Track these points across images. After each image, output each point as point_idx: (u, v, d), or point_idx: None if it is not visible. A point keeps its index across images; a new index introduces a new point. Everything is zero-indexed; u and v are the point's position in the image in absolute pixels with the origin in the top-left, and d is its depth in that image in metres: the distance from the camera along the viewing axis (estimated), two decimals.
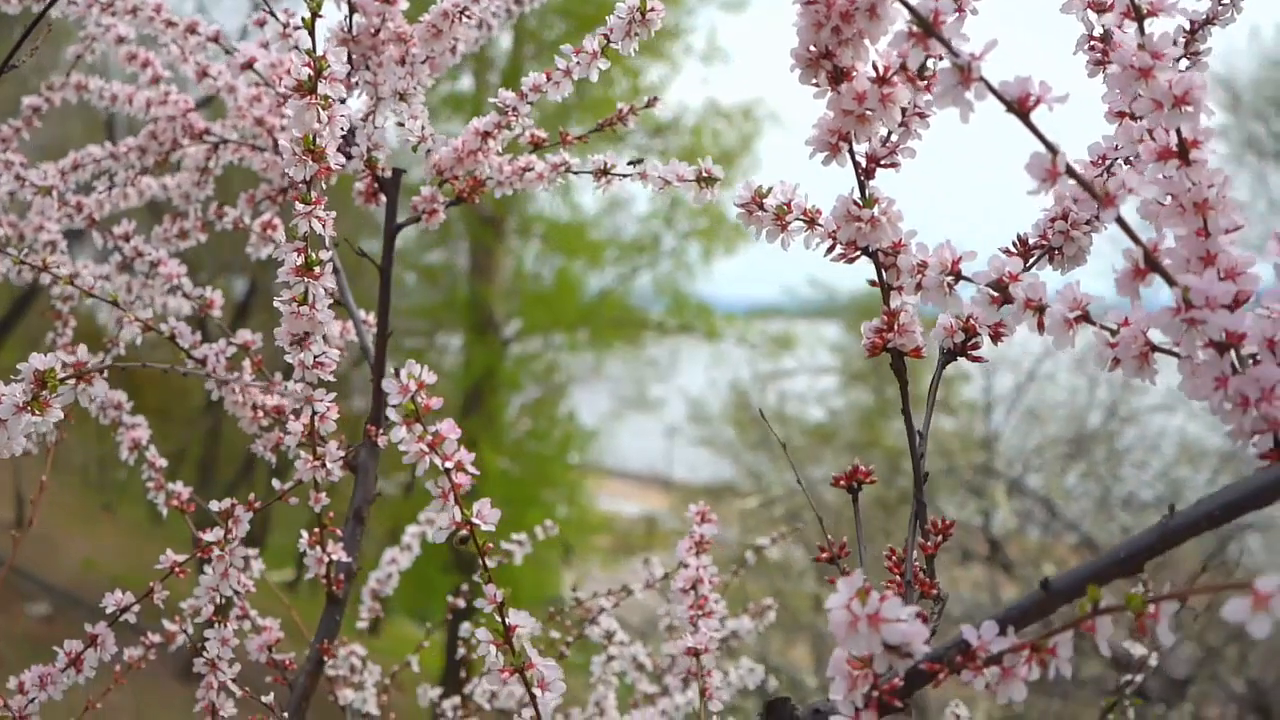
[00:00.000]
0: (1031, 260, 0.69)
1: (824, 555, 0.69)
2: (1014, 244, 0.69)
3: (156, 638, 1.14)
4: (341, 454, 0.91)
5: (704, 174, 0.84)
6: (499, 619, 0.65)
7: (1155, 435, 7.33)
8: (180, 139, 1.21)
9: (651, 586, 1.37)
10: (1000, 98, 0.51)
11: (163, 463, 1.11)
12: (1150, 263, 0.52)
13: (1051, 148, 0.51)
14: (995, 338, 0.68)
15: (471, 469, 0.63)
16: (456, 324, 11.54)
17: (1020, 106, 0.51)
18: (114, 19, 1.19)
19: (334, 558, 0.98)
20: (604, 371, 12.32)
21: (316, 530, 0.97)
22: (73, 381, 0.67)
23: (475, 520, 0.64)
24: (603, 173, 0.96)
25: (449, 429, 0.63)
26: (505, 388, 11.40)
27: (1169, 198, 0.55)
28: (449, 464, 0.63)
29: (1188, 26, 0.73)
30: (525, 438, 11.57)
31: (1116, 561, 0.51)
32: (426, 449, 0.62)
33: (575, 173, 0.98)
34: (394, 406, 0.61)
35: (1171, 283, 0.51)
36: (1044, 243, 0.69)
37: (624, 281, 12.19)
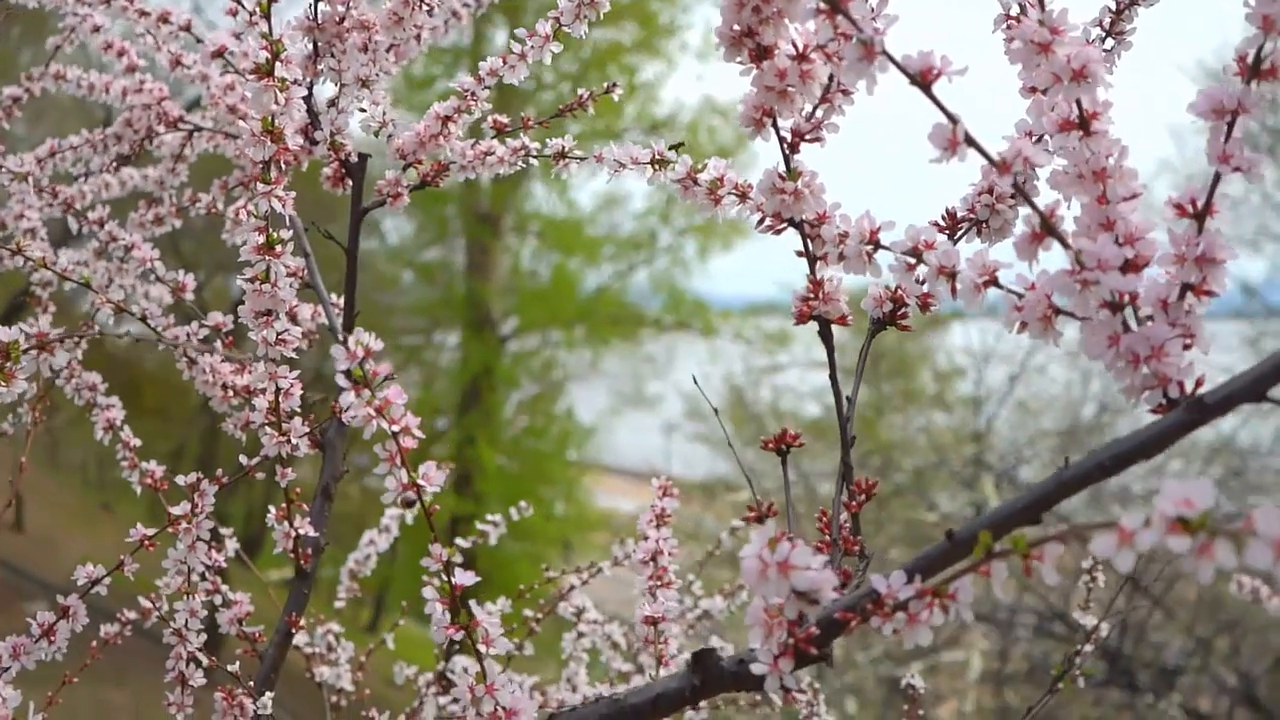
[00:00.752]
0: (960, 233, 0.72)
1: (752, 516, 0.72)
2: (942, 217, 0.72)
3: (132, 614, 1.16)
4: (306, 430, 0.94)
5: (657, 156, 0.86)
6: (445, 579, 0.68)
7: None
8: (155, 126, 1.23)
9: (620, 564, 1.40)
10: (904, 71, 0.53)
11: (136, 443, 1.13)
12: (1047, 227, 0.54)
13: (952, 118, 0.54)
14: (924, 308, 0.70)
15: (418, 433, 0.66)
16: (454, 321, 11.57)
17: (923, 79, 0.53)
18: (89, 9, 1.22)
19: (301, 532, 1.01)
20: (601, 368, 12.35)
21: (284, 505, 0.99)
22: (35, 352, 0.69)
23: (421, 482, 0.66)
24: (560, 156, 0.99)
25: (395, 394, 0.66)
26: (503, 385, 11.44)
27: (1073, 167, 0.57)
28: (396, 428, 0.65)
29: (1114, 6, 0.76)
30: (523, 435, 11.60)
31: (1017, 511, 0.54)
32: (374, 413, 0.65)
33: (535, 157, 1.01)
34: (341, 372, 0.64)
35: (1066, 246, 0.54)
36: (971, 216, 0.71)
37: (621, 278, 12.23)
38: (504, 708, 0.67)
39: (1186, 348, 0.54)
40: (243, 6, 1.03)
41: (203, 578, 1.00)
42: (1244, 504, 6.78)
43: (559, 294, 11.82)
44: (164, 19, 1.14)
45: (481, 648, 0.68)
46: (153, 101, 1.24)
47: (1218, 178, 0.55)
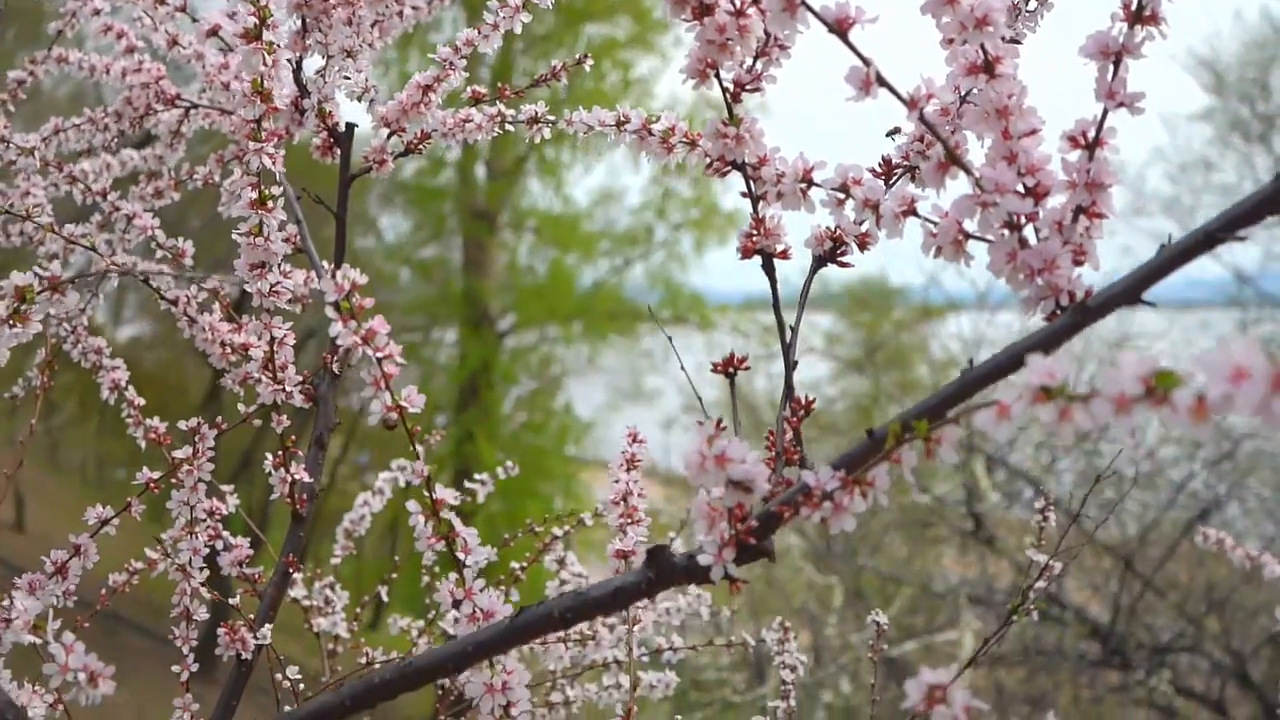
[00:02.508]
0: (895, 177, 0.78)
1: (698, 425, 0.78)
2: (879, 163, 0.78)
3: (138, 563, 1.23)
4: (300, 378, 1.01)
5: (622, 118, 0.93)
6: (427, 493, 0.75)
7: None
8: (154, 104, 1.30)
9: (600, 516, 1.47)
10: (822, 20, 0.60)
11: (141, 401, 1.20)
12: (951, 157, 0.61)
13: (866, 61, 0.60)
14: (861, 246, 0.77)
15: (400, 359, 0.73)
16: (451, 318, 11.63)
17: (840, 27, 0.60)
18: None
19: (297, 478, 1.07)
20: (599, 364, 12.41)
21: (280, 452, 1.06)
22: (48, 293, 0.76)
23: (404, 404, 0.73)
24: (534, 120, 1.05)
25: (379, 324, 0.73)
26: (501, 381, 11.50)
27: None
28: (380, 355, 0.72)
29: None
30: (521, 430, 11.66)
31: (926, 408, 0.60)
32: (360, 341, 0.72)
33: (511, 122, 1.07)
34: (330, 304, 0.71)
35: (969, 173, 0.61)
36: (905, 162, 0.78)
37: (617, 274, 12.29)
38: (481, 609, 0.73)
39: (1078, 264, 0.61)
40: None
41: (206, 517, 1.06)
42: (1235, 485, 6.85)
43: (556, 290, 11.88)
44: (160, 1, 1.21)
45: (461, 555, 0.74)
46: (150, 80, 1.30)
47: (1105, 112, 0.62)
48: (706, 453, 0.59)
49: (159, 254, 1.20)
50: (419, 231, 12.07)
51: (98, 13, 1.30)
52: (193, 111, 1.31)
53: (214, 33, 1.14)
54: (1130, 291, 0.56)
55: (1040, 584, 1.18)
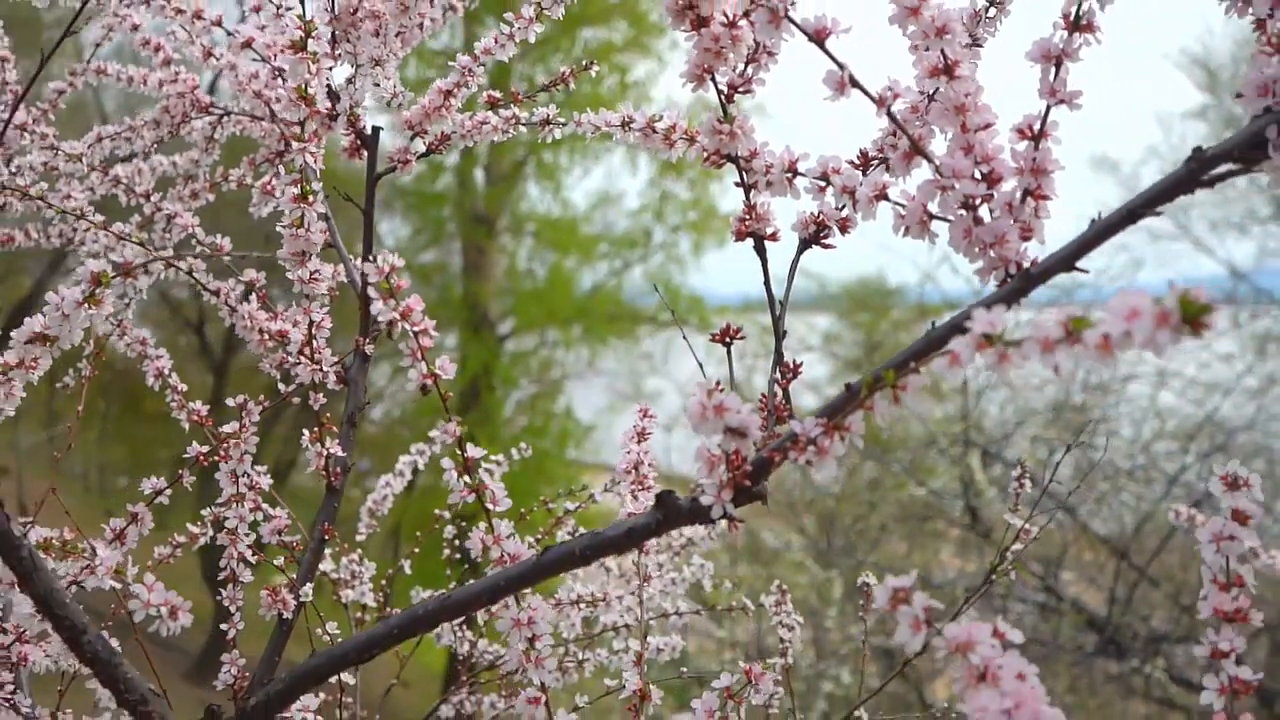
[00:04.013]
0: (871, 168, 0.88)
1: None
2: (857, 155, 0.88)
3: (181, 537, 1.32)
4: (335, 359, 1.10)
5: (627, 118, 1.03)
6: (459, 452, 0.84)
7: (1136, 409, 7.56)
8: (189, 112, 1.40)
9: (609, 490, 1.56)
10: (803, 30, 0.70)
11: (183, 387, 1.29)
12: (915, 148, 0.71)
13: (841, 65, 0.70)
14: (843, 229, 0.87)
15: (434, 334, 0.83)
16: (452, 322, 11.71)
17: (818, 36, 0.70)
18: (129, 9, 1.38)
19: (332, 453, 1.17)
20: (599, 366, 12.50)
21: (316, 429, 1.16)
22: (121, 277, 0.86)
23: (438, 371, 0.83)
24: (546, 122, 1.15)
25: (415, 302, 0.82)
26: (501, 385, 11.58)
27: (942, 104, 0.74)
28: (417, 329, 0.82)
29: None
30: (522, 434, 11.74)
31: (896, 363, 0.70)
32: (399, 317, 0.82)
33: (525, 124, 1.17)
34: (372, 284, 0.81)
35: (930, 161, 0.70)
36: (880, 154, 0.88)
37: (616, 276, 12.38)
38: (509, 553, 0.83)
39: (1026, 239, 0.71)
40: (271, 2, 1.19)
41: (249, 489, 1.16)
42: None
43: (555, 293, 11.97)
44: (197, 15, 1.30)
45: (490, 506, 0.84)
46: (186, 90, 1.40)
47: (1048, 108, 0.72)
48: (707, 404, 0.69)
49: (198, 249, 1.30)
50: (418, 236, 12.16)
51: (136, 27, 1.40)
52: (225, 118, 1.40)
53: (248, 45, 1.24)
54: (1066, 261, 0.66)
55: (1016, 546, 1.27)
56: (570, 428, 11.94)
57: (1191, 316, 0.47)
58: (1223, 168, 0.64)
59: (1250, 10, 0.66)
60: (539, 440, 11.72)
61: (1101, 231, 0.65)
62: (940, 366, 0.59)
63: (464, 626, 1.56)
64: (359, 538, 1.63)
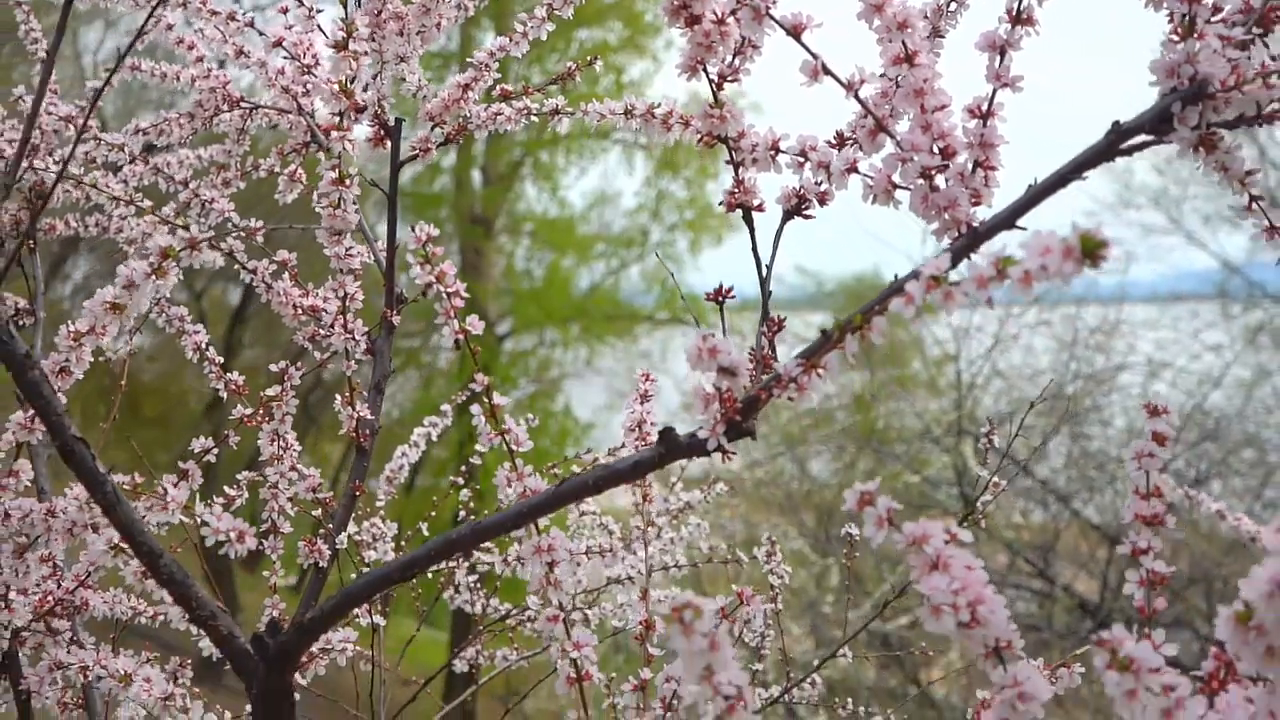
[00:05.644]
0: (846, 146, 0.99)
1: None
2: (834, 135, 0.99)
3: (221, 498, 1.44)
4: (366, 329, 1.22)
5: (629, 108, 1.14)
6: (487, 400, 0.96)
7: (1129, 399, 7.70)
8: (221, 106, 1.51)
9: (613, 454, 1.67)
10: (781, 26, 0.81)
11: (220, 359, 1.41)
12: (879, 126, 0.82)
13: (815, 55, 0.81)
14: (821, 201, 0.98)
15: (464, 294, 0.94)
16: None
17: (795, 31, 0.81)
18: (165, 10, 1.49)
19: (361, 416, 1.28)
20: (597, 365, 12.61)
21: (348, 394, 1.27)
22: (188, 250, 0.97)
23: (468, 327, 0.94)
24: (555, 113, 1.27)
25: (449, 267, 0.94)
26: (500, 384, 11.70)
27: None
28: (449, 290, 0.93)
29: None
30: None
31: (865, 309, 0.81)
32: (434, 280, 0.93)
33: (535, 115, 1.28)
34: (411, 251, 0.92)
35: (892, 137, 0.82)
36: (853, 134, 0.99)
37: (613, 275, 12.50)
38: (529, 488, 0.95)
39: (976, 204, 0.82)
40: (301, 3, 1.31)
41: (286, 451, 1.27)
42: (1218, 463, 7.08)
43: (553, 293, 12.07)
44: (231, 17, 1.42)
45: (514, 447, 0.95)
46: (218, 85, 1.51)
47: (994, 91, 0.83)
48: (703, 346, 0.81)
49: (233, 233, 1.41)
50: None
51: (171, 27, 1.51)
52: (255, 112, 1.52)
53: (279, 44, 1.36)
54: (1007, 220, 0.78)
55: (986, 497, 1.39)
56: (569, 427, 12.06)
57: (1090, 250, 0.58)
58: (1138, 139, 0.76)
59: (1164, 4, 0.77)
60: (538, 439, 11.79)
61: (1036, 195, 0.77)
62: (897, 305, 0.71)
63: (479, 585, 1.67)
64: (378, 503, 1.74)
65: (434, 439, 1.79)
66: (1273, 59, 0.77)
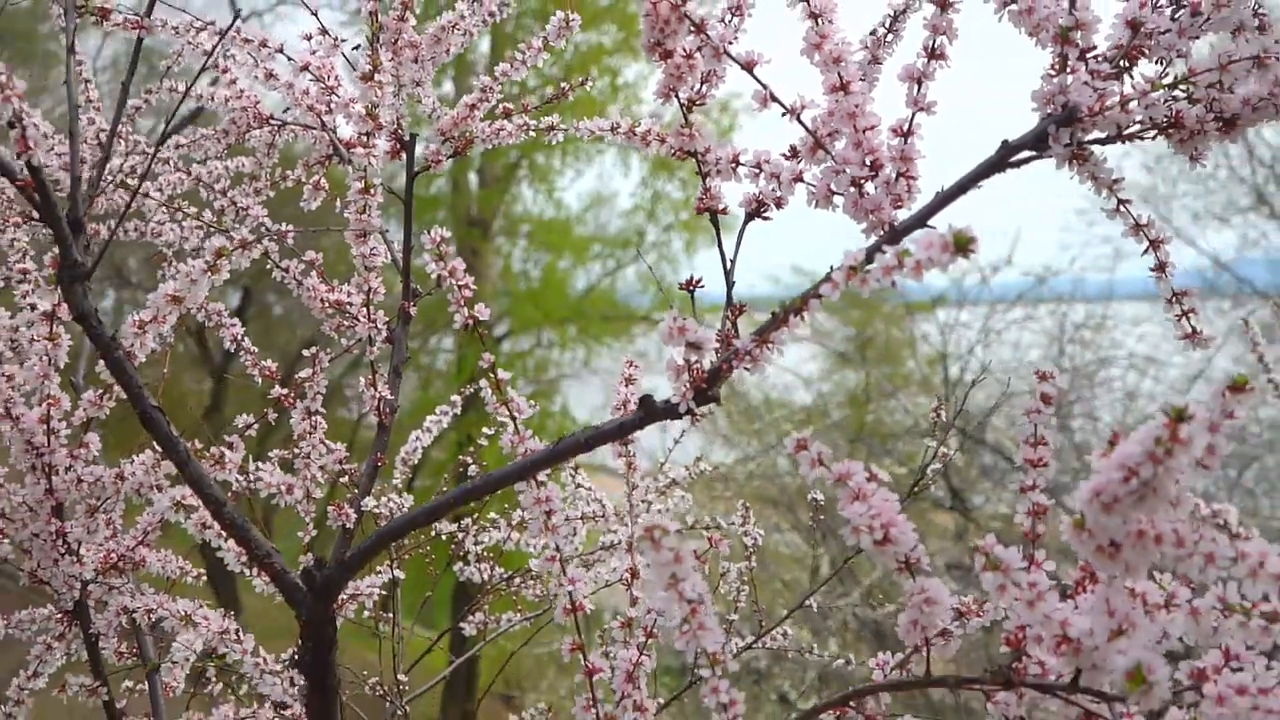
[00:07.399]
0: (796, 160, 1.17)
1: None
2: (788, 149, 1.17)
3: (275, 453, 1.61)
4: (387, 318, 1.39)
5: (615, 125, 1.32)
6: (493, 375, 1.13)
7: (1118, 395, 7.90)
8: (252, 123, 1.68)
9: None
10: (736, 61, 0.99)
11: (255, 350, 1.58)
12: (817, 144, 1.00)
13: (764, 86, 0.99)
14: (778, 205, 1.16)
15: (472, 286, 1.12)
16: (448, 325, 11.97)
17: (748, 66, 0.99)
18: (199, 36, 1.67)
19: (383, 395, 1.46)
20: (594, 366, 12.76)
21: (370, 376, 1.45)
22: (240, 250, 1.14)
23: (477, 314, 1.12)
24: (551, 128, 1.44)
25: (459, 263, 1.11)
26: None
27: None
28: (460, 283, 1.11)
29: (892, 12, 1.22)
30: None
31: (806, 295, 0.99)
32: (447, 275, 1.11)
33: (535, 131, 1.46)
34: (426, 250, 1.09)
35: (828, 153, 1.00)
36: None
37: (610, 276, 12.66)
38: (529, 449, 1.12)
39: (898, 207, 1.00)
40: (325, 33, 1.48)
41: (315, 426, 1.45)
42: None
43: (550, 294, 12.22)
44: (263, 44, 1.59)
45: (516, 414, 1.13)
46: (249, 105, 1.69)
47: (913, 114, 1.01)
48: (673, 325, 0.98)
49: (267, 235, 1.59)
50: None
51: (209, 54, 1.68)
52: (283, 128, 1.69)
53: (305, 68, 1.53)
54: (919, 220, 0.95)
55: (935, 466, 1.56)
56: (567, 427, 12.20)
57: (961, 245, 0.76)
58: (1023, 155, 0.94)
59: (1037, 41, 0.95)
60: (536, 440, 11.97)
61: (940, 202, 0.94)
62: (826, 290, 0.89)
63: (487, 555, 1.85)
64: (394, 480, 1.92)
65: (445, 425, 1.96)
66: (1147, 82, 0.95)
